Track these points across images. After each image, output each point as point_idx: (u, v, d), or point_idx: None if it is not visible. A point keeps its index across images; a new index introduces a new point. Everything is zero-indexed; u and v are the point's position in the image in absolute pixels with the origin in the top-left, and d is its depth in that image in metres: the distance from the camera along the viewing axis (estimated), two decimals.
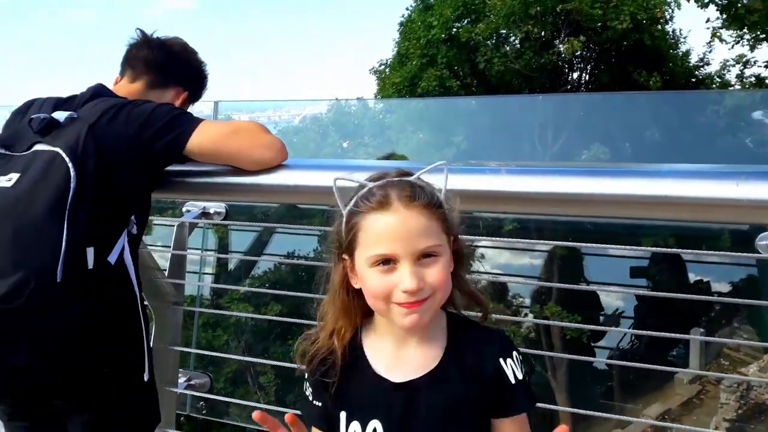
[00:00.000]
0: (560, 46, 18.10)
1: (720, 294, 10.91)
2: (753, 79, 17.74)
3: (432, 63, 19.72)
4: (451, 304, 1.00)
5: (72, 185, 1.24)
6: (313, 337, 1.00)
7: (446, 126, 18.13)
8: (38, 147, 1.31)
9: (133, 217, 1.48)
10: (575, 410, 2.28)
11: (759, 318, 9.86)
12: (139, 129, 1.39)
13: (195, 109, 1.88)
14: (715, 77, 19.31)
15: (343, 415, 0.93)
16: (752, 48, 16.87)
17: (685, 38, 19.58)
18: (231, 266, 9.60)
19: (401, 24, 22.21)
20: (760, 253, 1.28)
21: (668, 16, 18.66)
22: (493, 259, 13.60)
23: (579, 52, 18.51)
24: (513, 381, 0.93)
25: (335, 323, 0.97)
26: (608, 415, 3.23)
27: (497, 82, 19.15)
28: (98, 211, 1.29)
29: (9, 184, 1.26)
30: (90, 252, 1.28)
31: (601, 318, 11.75)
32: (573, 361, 12.92)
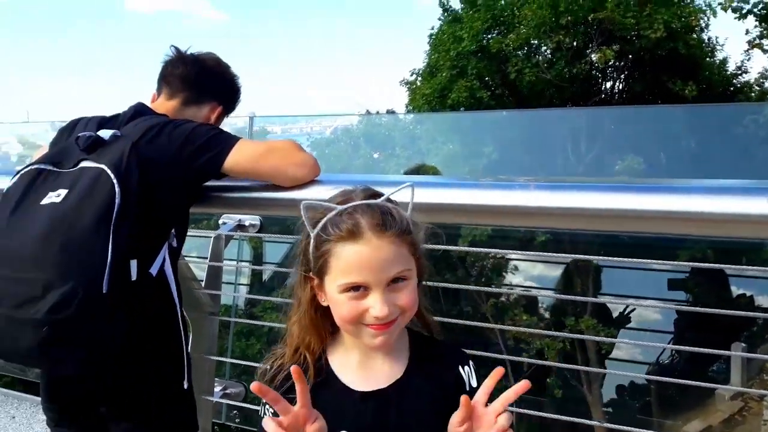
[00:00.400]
0: (592, 55, 17.94)
1: (762, 309, 10.61)
2: None
3: (462, 74, 19.72)
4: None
5: (117, 201, 1.29)
6: (277, 355, 1.02)
7: (477, 137, 18.07)
8: (84, 164, 1.36)
9: (173, 231, 1.54)
10: (612, 425, 2.26)
11: None
12: (180, 147, 1.46)
13: (229, 121, 1.94)
14: (754, 86, 18.90)
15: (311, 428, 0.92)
16: None
17: (722, 46, 19.24)
18: (265, 277, 9.73)
19: (431, 36, 22.30)
20: None
21: (704, 24, 18.37)
22: (527, 271, 13.45)
23: (612, 62, 18.31)
24: (468, 388, 0.99)
25: (303, 339, 0.99)
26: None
27: (528, 92, 19.05)
28: (141, 225, 1.35)
29: (58, 200, 1.31)
30: (133, 264, 1.33)
31: (637, 332, 11.51)
32: (609, 375, 12.67)
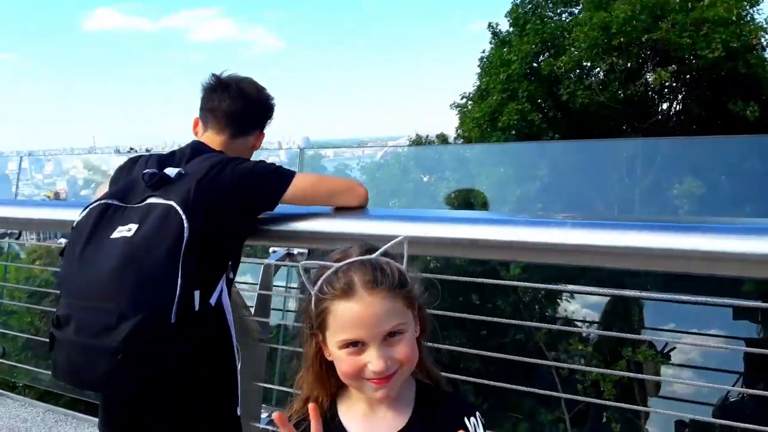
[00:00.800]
0: (648, 75, 17.58)
1: None
2: None
3: (513, 97, 19.63)
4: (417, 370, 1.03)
5: (185, 235, 1.36)
6: (291, 408, 1.05)
7: (529, 159, 17.86)
8: (152, 200, 1.43)
9: (230, 263, 1.62)
10: None
11: None
12: (243, 185, 1.55)
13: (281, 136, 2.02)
14: None
15: None
16: None
17: None
18: None
19: (481, 59, 22.33)
20: None
21: (765, 43, 17.78)
22: (582, 298, 13.04)
23: (668, 83, 17.90)
24: None
25: (311, 392, 1.02)
26: None
27: (581, 114, 18.79)
28: (205, 258, 1.41)
29: (129, 234, 1.37)
30: (197, 295, 1.40)
31: (699, 362, 11.01)
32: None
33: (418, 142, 25.12)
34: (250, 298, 2.40)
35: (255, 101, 1.79)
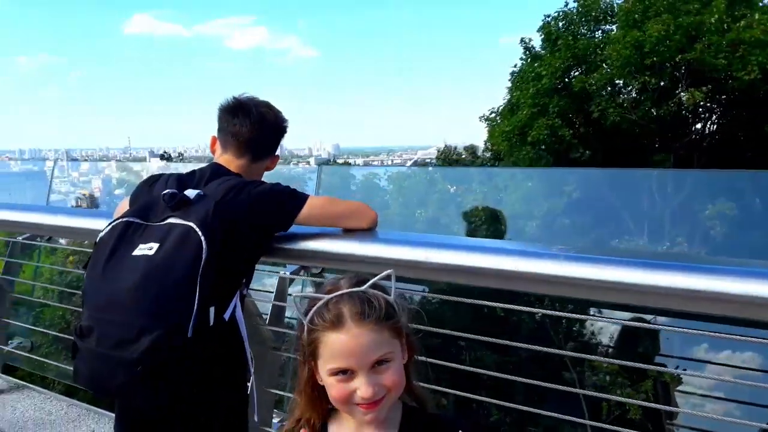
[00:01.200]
0: (681, 95, 17.36)
1: None
2: None
3: (543, 112, 19.53)
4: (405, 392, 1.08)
5: (204, 256, 1.43)
6: (285, 427, 1.12)
7: (557, 174, 17.71)
8: (172, 220, 1.50)
9: (244, 280, 1.71)
10: None
11: None
12: (259, 208, 1.64)
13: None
14: None
15: None
16: None
17: None
18: None
19: (512, 74, 22.29)
20: None
21: None
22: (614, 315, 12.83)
23: (702, 103, 17.65)
24: None
25: (303, 414, 1.09)
26: None
27: (612, 132, 18.61)
28: (221, 276, 1.49)
29: (151, 253, 1.44)
30: (212, 311, 1.48)
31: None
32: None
33: (446, 153, 25.15)
34: (266, 307, 2.49)
35: (274, 128, 1.86)
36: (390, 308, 1.02)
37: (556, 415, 1.87)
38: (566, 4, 20.50)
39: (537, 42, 21.59)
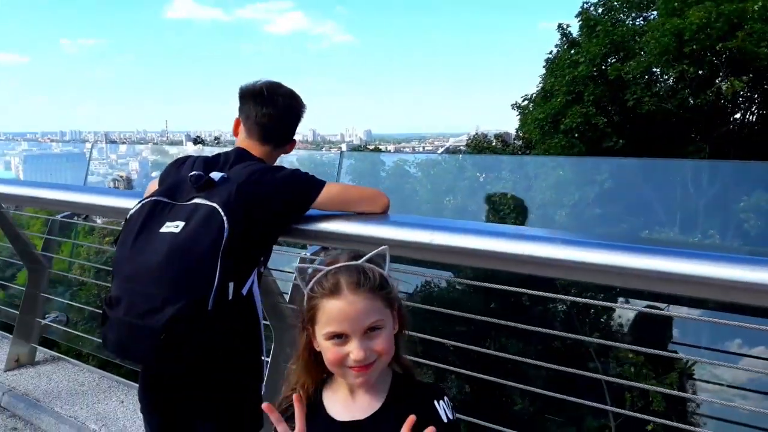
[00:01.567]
0: (721, 84, 16.93)
1: None
2: None
3: (578, 100, 19.24)
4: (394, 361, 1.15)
5: (225, 234, 1.51)
6: (283, 392, 1.19)
7: (590, 163, 17.46)
8: (197, 200, 1.58)
9: (262, 258, 1.80)
10: None
11: None
12: (279, 192, 1.71)
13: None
14: None
15: None
16: None
17: None
18: None
19: (547, 60, 22.00)
20: None
21: None
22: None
23: (742, 92, 17.19)
24: (445, 420, 1.09)
25: (299, 378, 1.16)
26: None
27: (647, 121, 18.27)
28: (240, 253, 1.57)
29: (177, 230, 1.53)
30: (231, 286, 1.55)
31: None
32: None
33: (477, 141, 24.97)
34: (287, 287, 2.59)
35: (296, 116, 1.92)
36: (383, 280, 1.10)
37: (579, 401, 1.92)
38: None
39: (574, 28, 21.29)
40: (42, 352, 3.67)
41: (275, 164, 1.90)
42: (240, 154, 1.81)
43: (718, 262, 1.21)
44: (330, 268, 1.09)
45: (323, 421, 1.12)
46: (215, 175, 1.66)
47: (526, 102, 22.15)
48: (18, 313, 3.53)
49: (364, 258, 1.10)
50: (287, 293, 2.57)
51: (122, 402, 3.14)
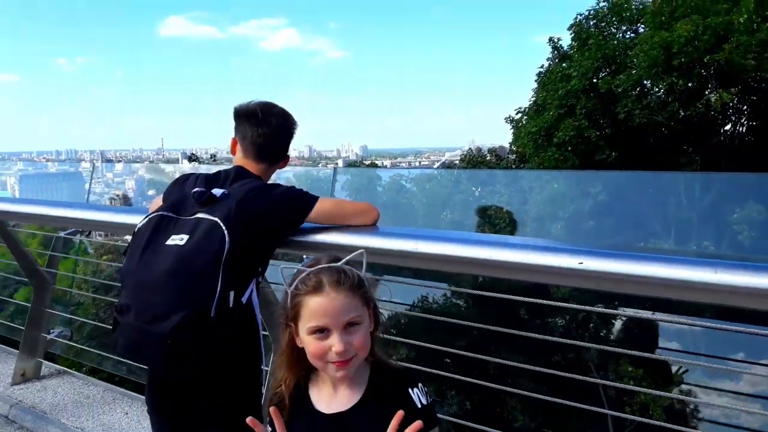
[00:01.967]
0: (710, 96, 17.17)
1: None
2: None
3: (570, 113, 19.45)
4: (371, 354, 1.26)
5: (226, 246, 1.63)
6: (271, 389, 1.30)
7: (584, 177, 17.62)
8: (200, 215, 1.70)
9: (260, 268, 1.92)
10: None
11: None
12: (275, 208, 1.84)
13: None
14: None
15: None
16: None
17: None
18: None
19: (539, 74, 22.25)
20: None
21: None
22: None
23: (731, 104, 17.43)
24: (419, 405, 1.19)
25: (283, 375, 1.26)
26: None
27: (639, 133, 18.48)
28: (240, 264, 1.69)
29: (181, 243, 1.64)
30: (231, 295, 1.67)
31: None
32: None
33: (470, 156, 25.16)
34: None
35: (288, 135, 2.06)
36: (361, 281, 1.20)
37: (578, 405, 2.03)
38: (598, 3, 20.43)
39: (566, 42, 21.55)
40: (47, 367, 3.76)
41: (272, 182, 2.03)
42: (239, 171, 1.95)
43: (675, 264, 1.33)
44: (313, 268, 1.19)
45: (310, 414, 1.23)
46: (217, 192, 1.79)
47: (519, 115, 22.36)
48: (23, 328, 3.63)
49: (343, 260, 1.21)
50: None
51: (126, 413, 3.23)
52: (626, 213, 15.66)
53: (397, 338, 2.75)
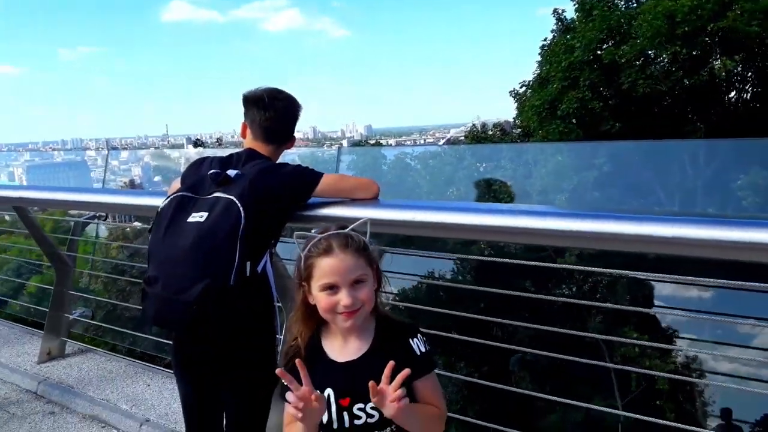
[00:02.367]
0: (715, 63, 17.08)
1: None
2: None
3: (574, 85, 19.36)
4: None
5: (242, 222, 1.79)
6: (287, 344, 1.45)
7: (588, 148, 17.62)
8: (217, 194, 1.85)
9: (273, 240, 2.08)
10: None
11: None
12: (284, 185, 2.01)
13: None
14: None
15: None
16: None
17: None
18: None
19: (542, 47, 22.12)
20: None
21: None
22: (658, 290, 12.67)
23: (735, 71, 17.33)
24: (419, 353, 1.35)
25: (298, 331, 1.42)
26: None
27: (643, 103, 18.42)
28: (255, 237, 1.85)
29: (201, 220, 1.80)
30: (248, 264, 1.83)
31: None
32: (722, 399, 11.82)
33: (475, 132, 25.14)
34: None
35: (293, 117, 2.22)
36: (365, 244, 1.37)
37: (584, 360, 2.18)
38: None
39: (570, 13, 21.36)
40: (71, 345, 3.95)
41: (280, 161, 2.18)
42: (250, 153, 2.10)
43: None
44: (323, 235, 1.36)
45: (325, 363, 1.38)
46: (231, 172, 1.95)
47: (524, 89, 22.27)
48: (46, 310, 3.81)
49: (350, 227, 1.37)
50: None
51: (149, 385, 3.41)
52: (631, 183, 15.72)
53: (405, 303, 2.89)
